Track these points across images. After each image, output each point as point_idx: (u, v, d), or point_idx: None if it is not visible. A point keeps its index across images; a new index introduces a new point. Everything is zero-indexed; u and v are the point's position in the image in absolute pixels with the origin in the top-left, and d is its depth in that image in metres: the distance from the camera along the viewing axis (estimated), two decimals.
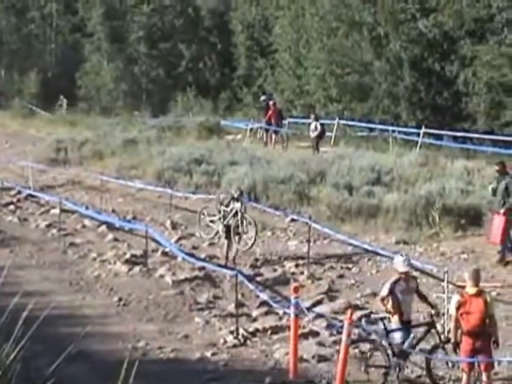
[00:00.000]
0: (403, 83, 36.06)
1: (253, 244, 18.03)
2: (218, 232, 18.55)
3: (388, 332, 11.23)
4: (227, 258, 17.92)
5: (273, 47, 47.91)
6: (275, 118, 34.99)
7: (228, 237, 17.98)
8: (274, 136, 34.78)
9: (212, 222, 18.88)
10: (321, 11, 40.82)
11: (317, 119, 31.97)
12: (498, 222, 17.28)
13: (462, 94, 34.56)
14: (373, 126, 35.25)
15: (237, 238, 17.96)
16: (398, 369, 11.07)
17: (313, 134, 31.43)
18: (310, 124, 32.24)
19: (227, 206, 18.19)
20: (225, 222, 18.06)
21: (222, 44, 55.14)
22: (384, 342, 11.26)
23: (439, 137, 32.25)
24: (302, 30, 43.05)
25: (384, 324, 11.38)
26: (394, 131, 33.09)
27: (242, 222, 17.88)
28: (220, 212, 18.28)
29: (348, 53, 38.48)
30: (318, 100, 40.69)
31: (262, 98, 39.54)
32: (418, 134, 31.96)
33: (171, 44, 56.43)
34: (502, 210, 17.20)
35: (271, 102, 36.48)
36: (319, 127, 31.52)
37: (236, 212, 17.92)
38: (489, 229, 17.71)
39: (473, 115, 34.22)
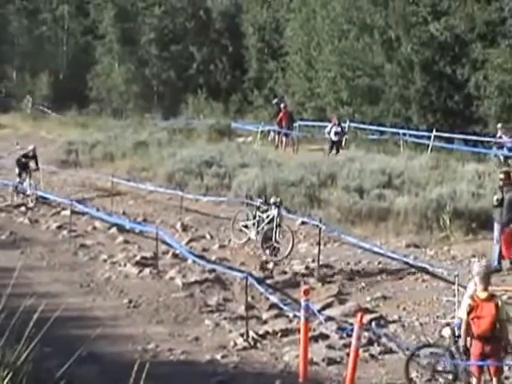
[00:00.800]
0: (414, 86, 36.01)
1: (288, 254, 17.56)
2: (250, 238, 18.23)
3: (457, 337, 11.14)
4: (272, 266, 17.52)
5: (284, 50, 47.95)
6: (286, 121, 35.05)
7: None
8: (284, 139, 34.83)
9: (246, 226, 18.47)
10: (332, 14, 40.82)
11: (339, 123, 32.33)
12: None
13: (473, 98, 34.50)
14: (384, 129, 35.24)
15: (268, 246, 17.53)
16: (465, 374, 10.96)
17: (335, 138, 31.73)
18: (327, 127, 32.45)
19: (263, 212, 17.78)
20: (259, 229, 17.71)
21: (233, 46, 55.22)
22: (453, 348, 11.17)
23: (450, 140, 32.23)
24: (313, 33, 43.05)
25: (453, 329, 11.32)
26: (404, 134, 33.11)
27: (276, 231, 17.43)
28: (255, 217, 17.87)
29: (359, 56, 38.46)
30: (328, 103, 40.69)
31: (275, 100, 39.63)
32: (429, 138, 31.96)
33: (182, 46, 56.58)
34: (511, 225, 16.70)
35: (282, 105, 36.54)
36: (343, 131, 32.20)
37: (271, 219, 17.48)
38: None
39: (484, 118, 34.15)
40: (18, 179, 26.55)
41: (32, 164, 26.76)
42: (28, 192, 25.87)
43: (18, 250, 19.91)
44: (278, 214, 17.48)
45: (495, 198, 17.11)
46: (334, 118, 33.29)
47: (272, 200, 17.81)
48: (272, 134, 36.44)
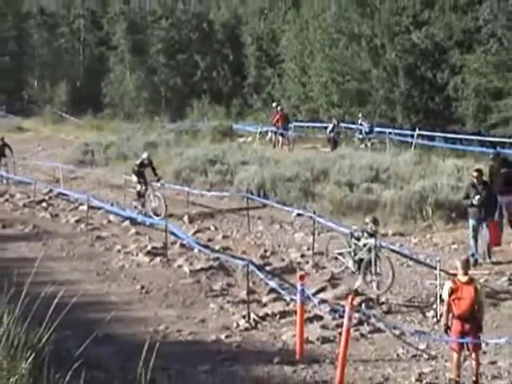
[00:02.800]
0: (399, 89, 35.98)
1: (390, 287, 14.37)
2: (347, 266, 15.47)
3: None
4: (378, 296, 14.48)
5: (280, 57, 47.93)
6: (282, 122, 35.02)
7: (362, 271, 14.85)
8: (280, 138, 34.82)
9: (341, 254, 15.71)
10: (323, 24, 40.83)
11: (338, 124, 32.88)
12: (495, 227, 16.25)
13: (452, 99, 34.46)
14: None
15: (368, 277, 14.82)
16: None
17: (336, 136, 32.19)
18: (329, 127, 32.82)
19: (358, 239, 15.09)
20: (356, 258, 15.05)
21: (234, 55, 55.20)
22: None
23: (432, 138, 32.21)
24: (307, 42, 43.05)
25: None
26: (390, 133, 33.07)
27: (375, 262, 14.58)
28: (350, 246, 15.33)
29: (348, 62, 38.44)
30: (321, 105, 40.68)
31: (274, 104, 39.64)
32: (413, 136, 31.94)
33: (188, 55, 56.57)
34: (495, 219, 16.26)
35: (279, 108, 36.54)
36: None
37: (370, 248, 14.69)
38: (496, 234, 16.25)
39: (462, 118, 34.12)
40: (138, 187, 22.76)
41: (149, 173, 23.16)
42: (152, 201, 22.40)
43: (40, 241, 19.87)
44: (375, 243, 14.66)
45: (477, 197, 15.91)
46: (334, 119, 33.51)
47: (368, 226, 14.90)
48: (270, 134, 36.41)
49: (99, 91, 59.41)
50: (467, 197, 16.36)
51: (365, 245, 14.86)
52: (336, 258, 15.99)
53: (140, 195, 22.84)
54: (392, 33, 36.52)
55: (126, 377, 8.25)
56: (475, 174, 16.37)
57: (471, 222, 16.40)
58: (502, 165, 17.59)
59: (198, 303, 14.58)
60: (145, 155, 23.48)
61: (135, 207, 22.85)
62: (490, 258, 16.35)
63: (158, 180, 22.82)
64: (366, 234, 14.90)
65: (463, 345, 10.21)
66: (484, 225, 16.21)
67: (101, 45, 63.49)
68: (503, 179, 17.25)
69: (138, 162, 23.34)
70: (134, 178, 23.05)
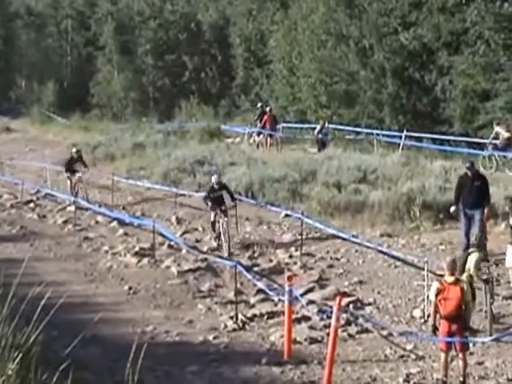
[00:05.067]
0: (386, 91, 36.02)
1: None
2: None
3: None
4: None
5: (268, 58, 47.86)
6: (270, 123, 35.01)
7: None
8: (269, 139, 34.83)
9: None
10: (311, 26, 40.81)
11: (326, 125, 32.88)
12: None
13: (440, 100, 34.52)
14: (359, 129, 35.20)
15: None
16: None
17: (324, 138, 32.18)
18: (317, 128, 32.84)
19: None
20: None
21: (222, 56, 55.11)
22: None
23: (419, 139, 32.22)
24: (295, 43, 43.01)
25: None
26: (378, 134, 33.09)
27: None
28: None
29: (336, 63, 38.44)
30: (309, 106, 40.68)
31: (259, 104, 39.64)
32: (400, 137, 31.93)
33: (176, 56, 56.42)
34: None
35: (267, 109, 36.55)
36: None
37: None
38: None
39: (449, 119, 34.18)
40: (212, 215, 18.78)
41: (226, 198, 19.04)
42: (223, 238, 18.41)
43: (27, 242, 19.86)
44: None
45: None
46: (322, 121, 33.55)
47: None
48: (254, 135, 36.39)
49: (87, 91, 59.26)
50: None
51: None
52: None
53: (214, 227, 18.84)
54: (380, 34, 36.55)
55: (113, 378, 8.24)
56: None
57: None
58: (476, 177, 16.87)
59: (186, 304, 14.60)
60: (214, 179, 19.11)
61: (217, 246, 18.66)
62: None
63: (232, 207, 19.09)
64: None
65: (451, 345, 10.26)
66: None
67: (88, 45, 63.26)
68: (475, 192, 16.63)
69: (209, 187, 19.45)
70: (212, 214, 18.80)
